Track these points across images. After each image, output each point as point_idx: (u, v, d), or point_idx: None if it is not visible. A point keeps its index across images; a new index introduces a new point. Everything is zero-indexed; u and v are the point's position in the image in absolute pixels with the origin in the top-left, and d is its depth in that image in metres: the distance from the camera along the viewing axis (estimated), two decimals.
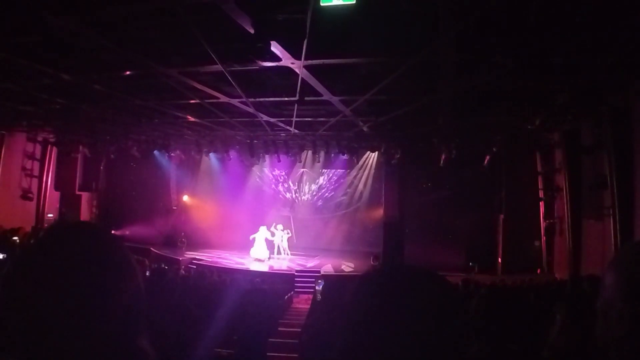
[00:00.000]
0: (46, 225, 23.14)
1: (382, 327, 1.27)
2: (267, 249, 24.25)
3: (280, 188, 30.05)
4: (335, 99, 12.94)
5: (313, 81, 11.05)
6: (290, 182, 29.82)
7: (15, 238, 17.26)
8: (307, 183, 29.61)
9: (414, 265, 1.41)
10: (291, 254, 25.44)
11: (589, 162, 15.42)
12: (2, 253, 12.40)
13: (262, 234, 24.32)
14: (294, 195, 29.90)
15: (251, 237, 24.17)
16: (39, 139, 24.41)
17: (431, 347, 1.26)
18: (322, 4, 6.47)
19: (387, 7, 7.36)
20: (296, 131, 18.19)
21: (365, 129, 17.25)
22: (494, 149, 19.79)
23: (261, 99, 13.58)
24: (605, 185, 13.72)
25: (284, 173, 29.57)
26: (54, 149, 25.43)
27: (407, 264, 1.41)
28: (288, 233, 25.52)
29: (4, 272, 1.36)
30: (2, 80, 12.57)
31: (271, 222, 25.49)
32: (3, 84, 12.88)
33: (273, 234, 24.82)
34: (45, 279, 1.32)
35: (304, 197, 29.74)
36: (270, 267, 22.59)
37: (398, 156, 21.58)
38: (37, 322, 1.29)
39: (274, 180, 30.02)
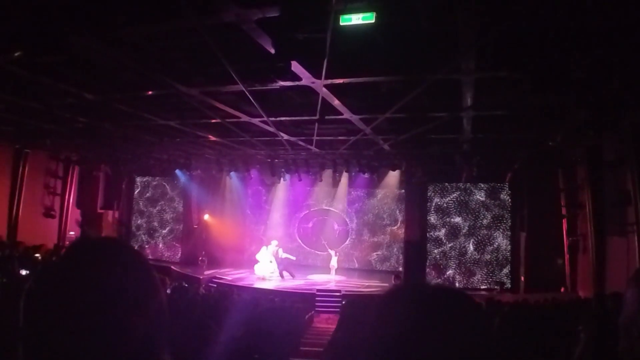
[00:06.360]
0: (68, 242, 23.43)
1: (408, 345, 1.27)
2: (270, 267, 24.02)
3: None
4: (355, 118, 12.95)
5: (333, 100, 11.10)
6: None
7: (37, 255, 17.44)
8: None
9: (439, 284, 1.41)
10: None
11: (612, 178, 15.25)
12: (25, 269, 12.51)
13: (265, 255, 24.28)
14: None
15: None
16: (62, 157, 24.73)
17: None
18: (341, 24, 6.53)
19: (406, 25, 7.39)
20: (316, 150, 18.22)
21: (386, 147, 17.14)
22: (516, 166, 19.66)
23: (281, 118, 13.67)
24: (628, 201, 13.55)
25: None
26: (77, 168, 25.72)
27: (432, 282, 1.37)
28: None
29: (27, 288, 1.37)
30: (26, 99, 12.78)
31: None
32: (27, 102, 13.09)
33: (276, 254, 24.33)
34: (68, 294, 1.32)
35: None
36: (290, 286, 22.46)
37: (419, 175, 21.67)
38: (59, 338, 1.29)
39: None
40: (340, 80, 9.83)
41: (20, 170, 22.04)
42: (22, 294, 1.37)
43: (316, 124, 13.43)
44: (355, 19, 6.45)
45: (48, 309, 1.32)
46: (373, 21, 6.41)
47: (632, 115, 12.24)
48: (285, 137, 15.77)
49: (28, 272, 12.12)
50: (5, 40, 8.27)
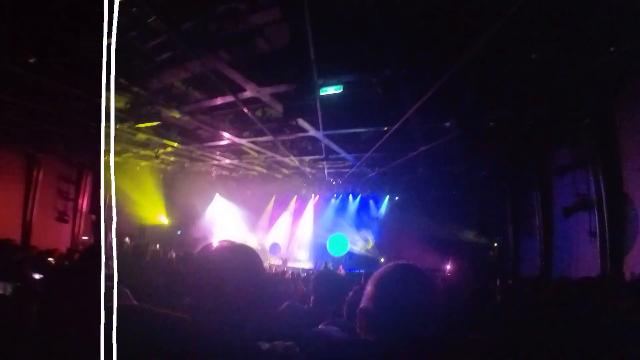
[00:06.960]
0: (81, 247, 23.35)
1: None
2: None
3: None
4: (350, 156, 16.48)
5: (332, 145, 14.76)
6: None
7: (50, 259, 17.55)
8: None
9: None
10: None
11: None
12: (38, 273, 12.87)
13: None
14: None
15: None
16: (75, 162, 24.16)
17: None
18: (321, 94, 9.71)
19: (366, 93, 10.00)
20: (330, 179, 23.21)
21: (374, 176, 20.91)
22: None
23: (303, 157, 17.61)
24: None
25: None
26: (90, 173, 24.94)
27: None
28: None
29: (40, 292, 1.47)
30: (39, 103, 12.81)
31: None
32: (40, 106, 13.10)
33: None
34: (80, 298, 1.36)
35: None
36: None
37: (397, 198, 26.98)
38: (71, 341, 1.36)
39: None
40: (333, 132, 13.29)
41: (34, 175, 21.83)
42: (35, 297, 1.46)
43: (325, 162, 17.60)
44: (330, 90, 9.65)
45: (61, 312, 1.37)
46: (341, 90, 9.58)
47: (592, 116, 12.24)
48: (307, 169, 20.81)
49: (41, 276, 12.55)
50: (18, 45, 8.77)
